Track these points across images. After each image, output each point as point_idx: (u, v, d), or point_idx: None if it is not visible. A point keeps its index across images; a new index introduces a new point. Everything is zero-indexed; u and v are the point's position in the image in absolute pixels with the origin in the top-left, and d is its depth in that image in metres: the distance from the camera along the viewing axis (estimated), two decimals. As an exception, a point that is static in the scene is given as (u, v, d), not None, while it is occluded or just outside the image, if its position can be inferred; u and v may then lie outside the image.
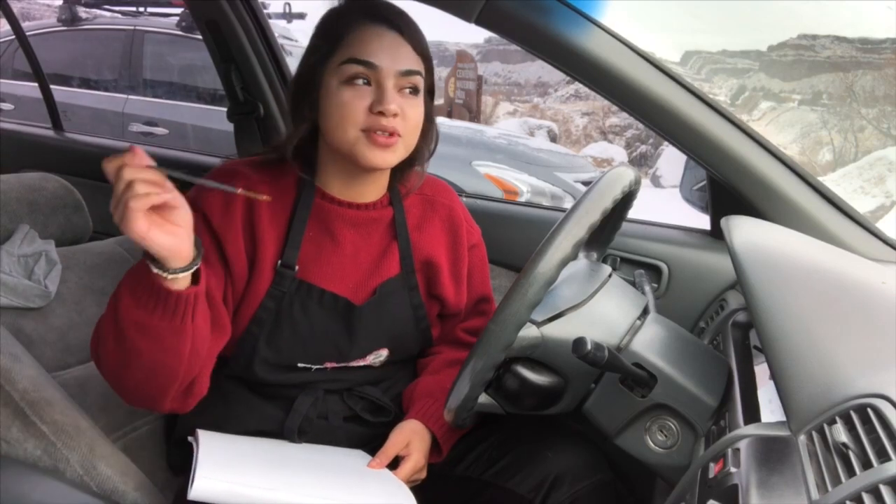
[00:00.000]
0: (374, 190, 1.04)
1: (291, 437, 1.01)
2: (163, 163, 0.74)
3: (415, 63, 0.95)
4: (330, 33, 0.97)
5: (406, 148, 0.97)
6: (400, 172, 1.06)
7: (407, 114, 0.94)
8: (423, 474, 1.01)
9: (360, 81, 0.92)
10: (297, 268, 0.99)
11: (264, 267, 0.98)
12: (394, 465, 0.99)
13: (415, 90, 0.95)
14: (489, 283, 1.18)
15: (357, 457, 1.01)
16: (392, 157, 0.95)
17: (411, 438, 1.00)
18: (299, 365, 1.02)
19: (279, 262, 0.98)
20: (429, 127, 1.03)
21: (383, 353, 1.06)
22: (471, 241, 1.14)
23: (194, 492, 0.79)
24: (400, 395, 1.10)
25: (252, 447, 0.96)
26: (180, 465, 1.07)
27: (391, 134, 0.93)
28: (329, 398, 1.05)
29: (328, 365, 1.03)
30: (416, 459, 0.99)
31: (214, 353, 0.93)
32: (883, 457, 0.51)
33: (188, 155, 2.07)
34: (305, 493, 0.86)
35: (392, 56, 0.93)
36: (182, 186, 0.76)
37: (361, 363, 1.05)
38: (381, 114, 0.91)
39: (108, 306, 0.82)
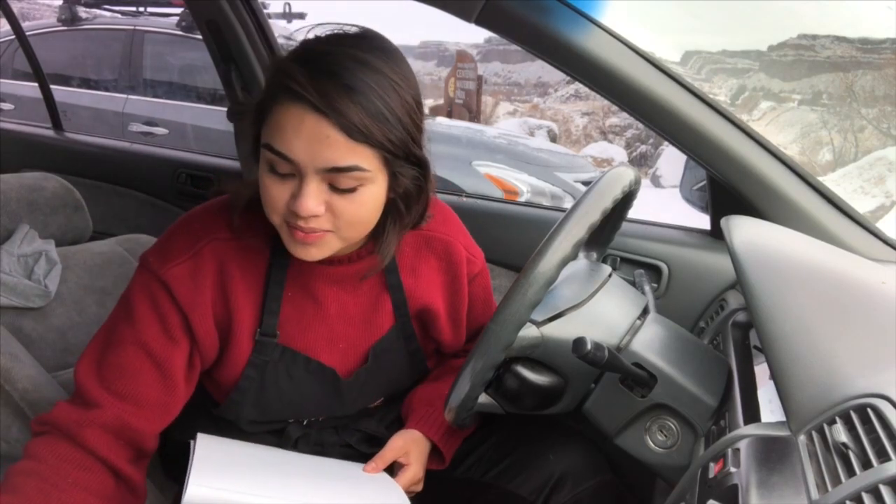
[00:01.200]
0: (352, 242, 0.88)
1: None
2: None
3: (347, 156, 0.74)
4: (261, 100, 0.79)
5: (343, 240, 0.82)
6: (375, 235, 0.88)
7: (337, 210, 0.78)
8: (420, 486, 0.98)
9: (282, 171, 0.77)
10: (278, 333, 0.90)
11: (242, 337, 0.89)
12: (390, 471, 0.97)
13: (352, 187, 0.77)
14: (493, 310, 1.12)
15: (356, 465, 1.00)
16: (318, 251, 0.81)
17: (410, 447, 0.97)
18: (290, 420, 1.00)
19: (258, 330, 0.89)
20: (403, 200, 0.84)
21: (378, 401, 1.05)
22: (471, 273, 1.03)
23: (187, 499, 0.78)
24: (396, 420, 1.07)
25: (250, 452, 0.94)
26: (175, 474, 1.06)
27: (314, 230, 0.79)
28: (323, 432, 1.03)
29: (320, 417, 1.01)
30: (415, 471, 0.96)
31: (155, 433, 0.87)
32: (883, 457, 0.51)
33: (189, 155, 2.07)
34: (300, 499, 0.85)
35: (312, 148, 0.73)
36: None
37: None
38: (297, 214, 0.77)
39: None
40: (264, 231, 0.87)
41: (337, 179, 0.76)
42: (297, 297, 0.91)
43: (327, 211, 0.78)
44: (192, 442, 0.88)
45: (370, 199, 0.79)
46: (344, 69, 0.74)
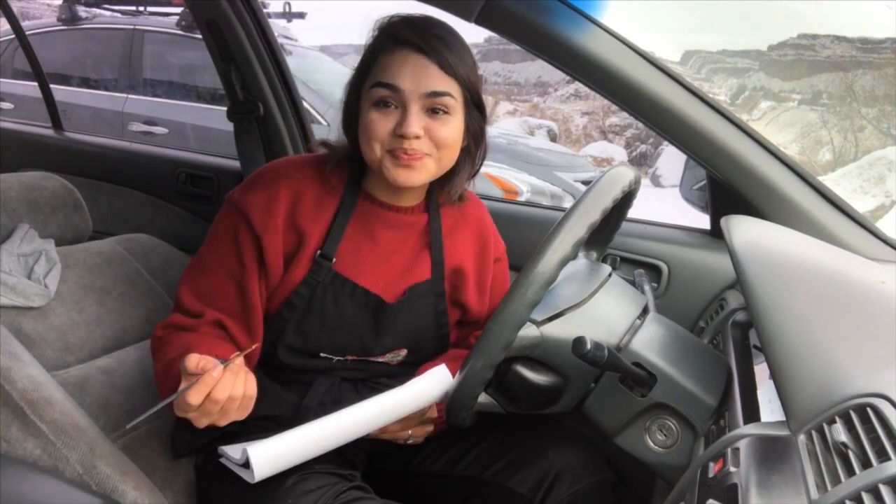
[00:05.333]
0: (413, 196, 1.06)
1: (307, 416, 0.99)
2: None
3: (442, 84, 0.95)
4: (364, 59, 1.01)
5: (439, 166, 0.99)
6: (439, 183, 1.07)
7: (434, 134, 0.96)
8: (420, 438, 1.04)
9: (387, 104, 0.95)
10: (334, 260, 1.02)
11: (303, 256, 1.01)
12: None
13: (445, 110, 0.96)
14: None
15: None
16: (417, 175, 0.97)
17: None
18: (321, 354, 1.04)
19: (318, 252, 1.01)
20: (474, 142, 1.04)
21: (402, 353, 1.08)
22: (496, 254, 1.17)
23: (257, 470, 0.85)
24: None
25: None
26: (184, 447, 1.08)
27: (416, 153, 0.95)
28: (344, 385, 1.06)
29: (349, 357, 1.05)
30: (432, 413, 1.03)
31: (247, 342, 0.99)
32: (882, 456, 0.51)
33: (189, 154, 2.07)
34: (348, 414, 0.92)
35: (415, 78, 0.94)
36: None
37: (380, 359, 1.07)
38: (404, 136, 0.93)
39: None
40: (340, 179, 1.05)
41: (433, 103, 0.95)
42: (357, 234, 1.04)
43: (426, 135, 0.95)
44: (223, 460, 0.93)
45: (455, 128, 0.98)
46: (435, 27, 0.98)
